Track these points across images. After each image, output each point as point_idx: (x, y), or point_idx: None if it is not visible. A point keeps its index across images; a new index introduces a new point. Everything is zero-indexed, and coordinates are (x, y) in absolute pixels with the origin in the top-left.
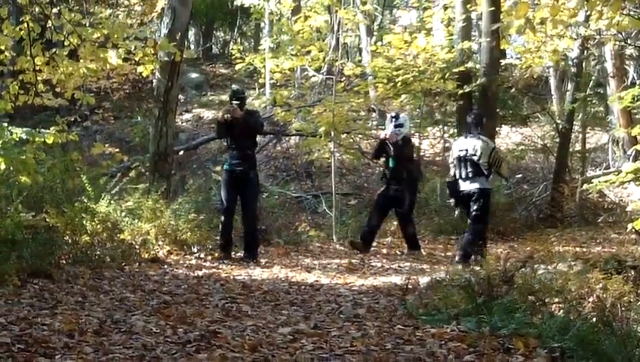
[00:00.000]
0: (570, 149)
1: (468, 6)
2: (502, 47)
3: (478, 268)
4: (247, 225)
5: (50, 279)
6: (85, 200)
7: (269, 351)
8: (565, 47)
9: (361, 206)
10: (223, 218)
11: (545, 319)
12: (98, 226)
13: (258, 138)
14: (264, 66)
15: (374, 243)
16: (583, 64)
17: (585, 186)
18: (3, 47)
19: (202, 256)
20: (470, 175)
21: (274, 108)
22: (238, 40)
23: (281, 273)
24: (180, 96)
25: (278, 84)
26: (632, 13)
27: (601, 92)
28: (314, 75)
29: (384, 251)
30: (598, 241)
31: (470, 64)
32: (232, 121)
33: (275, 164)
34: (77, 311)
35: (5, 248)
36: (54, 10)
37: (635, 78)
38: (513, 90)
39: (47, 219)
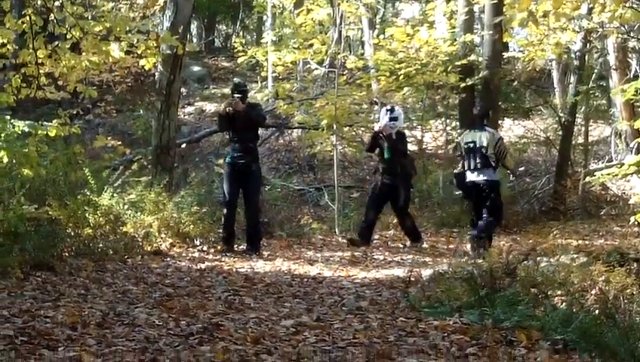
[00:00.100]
0: (573, 142)
1: None
2: (504, 40)
3: (480, 260)
4: (250, 218)
5: (53, 271)
6: (88, 193)
7: (272, 343)
8: (568, 40)
9: (364, 199)
10: (225, 211)
11: (547, 311)
12: (101, 219)
13: (260, 131)
14: (266, 59)
15: (376, 236)
16: (586, 57)
17: (587, 179)
18: (5, 40)
19: (205, 248)
20: (479, 166)
21: (276, 101)
22: (241, 33)
23: (284, 266)
24: (183, 89)
25: (280, 77)
26: (634, 5)
27: (604, 85)
28: (316, 68)
29: (386, 244)
30: (600, 234)
31: (473, 57)
32: (234, 114)
33: (278, 156)
34: (80, 303)
35: (8, 241)
36: (57, 3)
37: (638, 70)
38: (516, 83)
39: (49, 212)
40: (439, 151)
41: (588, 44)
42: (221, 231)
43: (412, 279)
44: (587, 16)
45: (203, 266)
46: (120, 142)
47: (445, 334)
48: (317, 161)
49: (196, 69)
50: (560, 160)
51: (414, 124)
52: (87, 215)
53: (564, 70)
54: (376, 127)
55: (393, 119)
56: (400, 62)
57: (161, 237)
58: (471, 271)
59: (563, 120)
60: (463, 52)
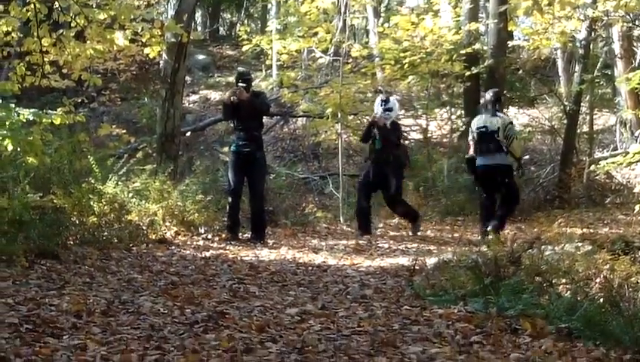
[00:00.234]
0: (578, 131)
1: None
2: (509, 29)
3: (485, 249)
4: (255, 207)
5: (58, 260)
6: (92, 182)
7: (277, 331)
8: (573, 29)
9: None
10: (230, 199)
11: (552, 300)
12: (105, 207)
13: (265, 119)
14: (271, 48)
15: (380, 225)
16: (591, 45)
17: (592, 168)
18: (10, 29)
19: (210, 237)
20: (491, 150)
21: (281, 89)
22: (245, 21)
23: (289, 254)
24: (187, 78)
25: (285, 65)
26: None
27: (609, 73)
28: (321, 57)
29: (391, 233)
30: (605, 222)
31: (477, 46)
32: (239, 103)
33: (282, 145)
34: (84, 291)
35: (13, 229)
36: None
37: None
38: (520, 71)
39: (54, 200)
40: (444, 140)
41: (593, 33)
42: (226, 219)
43: (417, 267)
44: (592, 5)
45: (208, 254)
46: (125, 131)
47: (450, 322)
48: (321, 150)
49: (201, 57)
50: (565, 148)
51: (419, 113)
52: (91, 203)
53: (569, 59)
54: (371, 117)
55: (388, 110)
56: (405, 50)
57: (166, 226)
58: (475, 260)
59: (568, 108)
60: (467, 40)
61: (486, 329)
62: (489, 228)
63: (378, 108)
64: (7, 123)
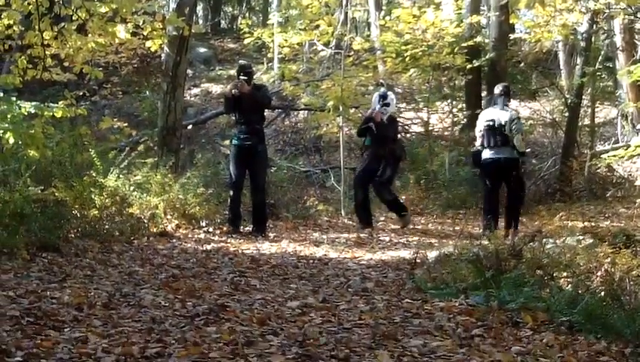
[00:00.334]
0: (579, 124)
1: None
2: (511, 22)
3: (486, 242)
4: (256, 200)
5: (59, 253)
6: (94, 175)
7: (278, 324)
8: (574, 21)
9: None
10: (231, 192)
11: (553, 293)
12: (107, 200)
13: (266, 112)
14: (272, 41)
15: (382, 218)
16: (592, 38)
17: (594, 161)
18: (12, 22)
19: (211, 230)
20: (498, 143)
21: (282, 82)
22: (247, 14)
23: (290, 247)
24: (189, 71)
25: (286, 58)
26: None
27: (610, 66)
28: (322, 50)
29: (392, 226)
30: (606, 216)
31: (479, 38)
32: (240, 96)
33: (284, 138)
34: (86, 284)
35: (14, 222)
36: None
37: None
38: (522, 64)
39: (55, 193)
40: (445, 133)
41: (594, 26)
42: (227, 212)
43: (418, 260)
44: None
45: (209, 247)
46: (126, 124)
47: (451, 315)
48: (323, 143)
49: (202, 50)
50: (566, 141)
51: (420, 106)
52: (93, 196)
53: (571, 51)
54: (368, 112)
55: (385, 105)
56: (406, 43)
57: (167, 219)
58: (477, 253)
59: (569, 101)
60: (469, 33)
61: (487, 323)
62: (511, 236)
63: (376, 104)
64: (9, 116)
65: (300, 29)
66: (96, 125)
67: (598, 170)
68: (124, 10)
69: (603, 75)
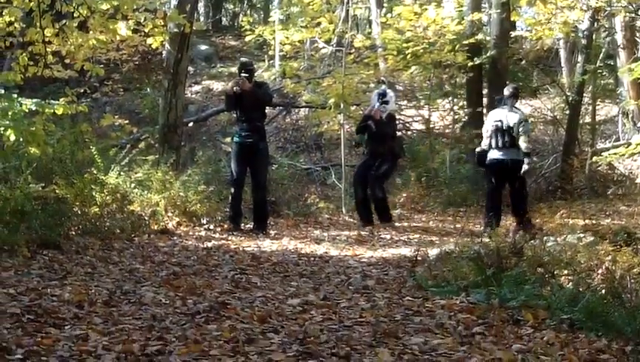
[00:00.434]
0: (580, 121)
1: None
2: (512, 19)
3: (487, 240)
4: (257, 197)
5: (60, 250)
6: (95, 172)
7: (279, 321)
8: (576, 19)
9: None
10: (232, 190)
11: (554, 291)
12: (107, 197)
13: (267, 110)
14: (274, 38)
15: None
16: (594, 36)
17: (594, 158)
18: (13, 19)
19: (212, 227)
20: (506, 145)
21: (283, 80)
22: (248, 11)
23: (291, 244)
24: (190, 68)
25: (287, 56)
26: None
27: (612, 64)
28: (324, 47)
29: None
30: (607, 213)
31: (480, 36)
32: (241, 94)
33: (285, 135)
34: (86, 281)
35: (15, 219)
36: None
37: None
38: (523, 62)
39: (56, 191)
40: (446, 131)
41: (596, 23)
42: (228, 209)
43: (419, 258)
44: None
45: (210, 245)
46: (127, 121)
47: (452, 313)
48: (324, 140)
49: (203, 47)
50: (567, 139)
51: (422, 103)
52: (94, 193)
53: (572, 49)
54: (367, 110)
55: (384, 103)
56: (407, 41)
57: (168, 216)
58: (478, 251)
59: (570, 99)
60: (470, 31)
61: (488, 321)
62: (519, 235)
63: (375, 101)
64: (10, 113)
65: (301, 27)
66: (97, 122)
67: (599, 168)
68: (126, 7)
69: (604, 73)
